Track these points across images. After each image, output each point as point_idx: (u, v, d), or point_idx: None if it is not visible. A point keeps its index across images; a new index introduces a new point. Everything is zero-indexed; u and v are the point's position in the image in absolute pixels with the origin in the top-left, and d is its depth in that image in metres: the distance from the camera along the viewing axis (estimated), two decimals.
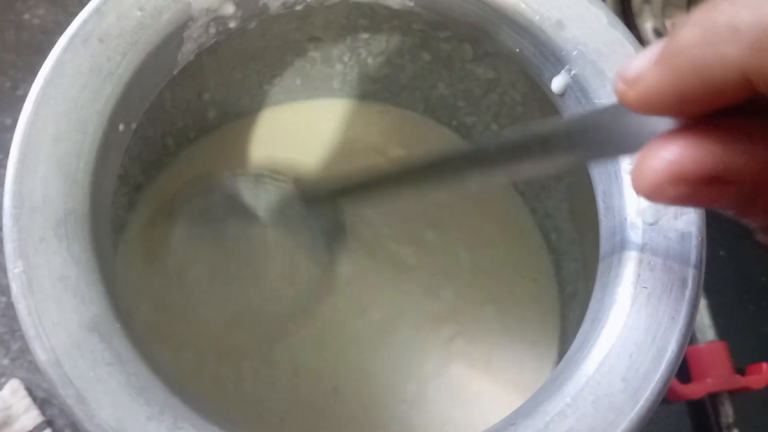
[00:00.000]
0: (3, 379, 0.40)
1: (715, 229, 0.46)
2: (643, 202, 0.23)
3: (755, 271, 0.47)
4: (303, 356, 0.34)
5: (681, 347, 0.21)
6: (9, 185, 0.21)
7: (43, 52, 0.24)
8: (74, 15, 0.53)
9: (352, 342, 0.35)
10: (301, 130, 0.38)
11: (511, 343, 0.36)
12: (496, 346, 0.36)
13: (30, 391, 0.40)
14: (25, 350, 0.41)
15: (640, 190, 0.15)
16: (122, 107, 0.23)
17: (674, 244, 0.23)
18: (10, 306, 0.42)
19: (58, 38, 0.23)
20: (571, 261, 0.38)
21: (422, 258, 0.37)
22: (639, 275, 0.22)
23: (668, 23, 0.54)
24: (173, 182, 0.36)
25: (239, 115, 0.37)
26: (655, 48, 0.14)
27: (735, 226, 0.48)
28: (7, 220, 0.21)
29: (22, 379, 0.40)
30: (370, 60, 0.36)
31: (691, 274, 0.22)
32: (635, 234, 0.23)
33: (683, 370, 0.42)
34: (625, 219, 0.23)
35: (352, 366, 0.35)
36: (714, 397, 0.42)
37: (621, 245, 0.23)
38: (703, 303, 0.44)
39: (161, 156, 0.35)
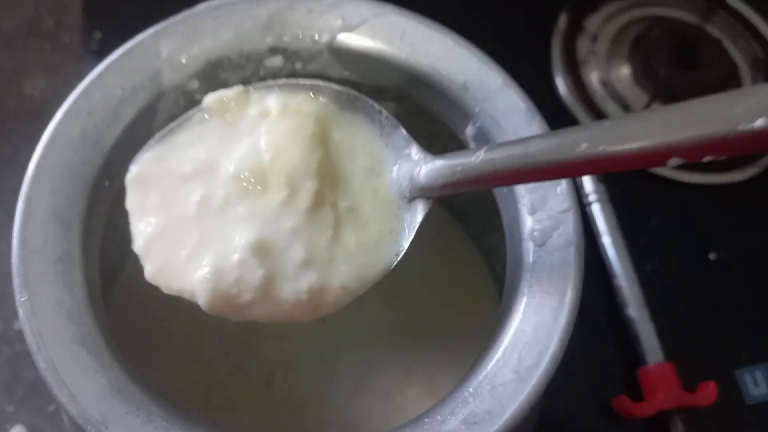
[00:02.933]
0: (8, 425, 0.43)
1: (662, 255, 0.51)
2: (534, 226, 0.28)
3: (701, 295, 0.51)
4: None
5: (561, 344, 0.26)
6: (16, 230, 0.26)
7: (43, 120, 0.29)
8: (72, 85, 0.58)
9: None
10: None
11: (457, 367, 0.41)
12: (443, 368, 0.40)
13: None
14: (28, 397, 0.44)
15: None
16: (107, 167, 0.29)
17: (557, 261, 0.28)
18: (13, 355, 0.45)
19: (57, 107, 0.29)
20: None
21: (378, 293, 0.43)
22: (530, 287, 0.27)
23: (612, 75, 0.59)
24: None
25: None
26: None
27: (682, 252, 0.52)
28: (15, 259, 0.26)
29: (26, 425, 0.43)
30: None
31: (570, 284, 0.27)
32: (527, 254, 0.28)
33: (635, 390, 0.45)
34: (521, 241, 0.29)
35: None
36: (665, 415, 0.44)
37: (519, 263, 0.28)
38: (651, 327, 0.47)
39: None
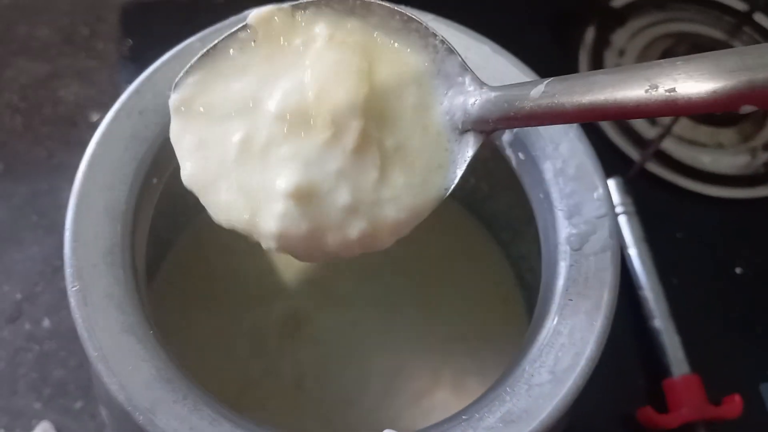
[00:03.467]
0: (34, 421, 0.43)
1: (688, 267, 0.51)
2: (571, 231, 0.29)
3: (726, 308, 0.51)
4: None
5: (598, 347, 0.27)
6: (69, 224, 0.27)
7: (76, 125, 0.29)
8: (105, 91, 0.58)
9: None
10: None
11: (484, 371, 0.41)
12: (471, 373, 0.41)
13: None
14: (55, 394, 0.44)
15: None
16: (155, 165, 0.30)
17: (594, 265, 0.28)
18: (42, 354, 0.45)
19: (90, 112, 0.30)
20: None
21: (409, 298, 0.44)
22: (567, 290, 0.28)
23: None
24: (194, 239, 0.42)
25: None
26: None
27: (708, 265, 0.52)
28: (67, 251, 0.27)
29: (52, 421, 0.44)
30: None
31: (607, 288, 0.28)
32: (564, 257, 0.29)
33: (661, 401, 0.46)
34: (557, 246, 0.29)
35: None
36: (690, 427, 0.44)
37: (554, 267, 0.29)
38: (676, 339, 0.47)
39: (181, 215, 0.41)
